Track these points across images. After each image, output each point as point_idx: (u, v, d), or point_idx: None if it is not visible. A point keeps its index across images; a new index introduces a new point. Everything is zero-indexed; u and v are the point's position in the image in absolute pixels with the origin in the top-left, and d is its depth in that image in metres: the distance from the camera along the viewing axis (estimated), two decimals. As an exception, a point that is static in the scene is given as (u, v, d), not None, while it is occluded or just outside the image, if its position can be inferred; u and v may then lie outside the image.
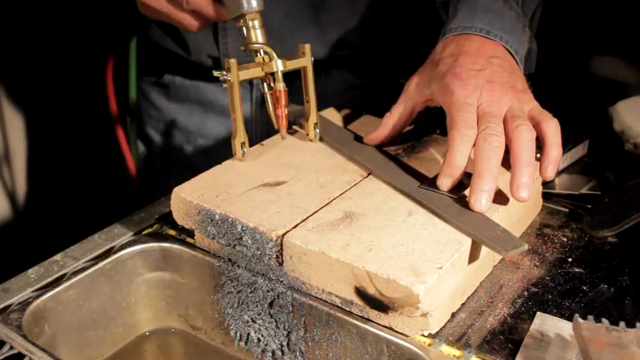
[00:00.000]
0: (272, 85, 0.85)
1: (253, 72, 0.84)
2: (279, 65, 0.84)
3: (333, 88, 1.22)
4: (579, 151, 1.05)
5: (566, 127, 1.12)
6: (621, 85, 1.35)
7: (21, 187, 1.52)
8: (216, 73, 0.82)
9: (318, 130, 0.91)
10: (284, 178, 0.82)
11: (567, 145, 1.03)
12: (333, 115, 0.98)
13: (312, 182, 0.81)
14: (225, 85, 0.82)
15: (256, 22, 0.84)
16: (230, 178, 0.82)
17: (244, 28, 0.84)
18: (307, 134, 0.91)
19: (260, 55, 0.85)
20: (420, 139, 0.93)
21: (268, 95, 0.86)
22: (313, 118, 0.90)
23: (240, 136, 0.85)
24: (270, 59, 0.84)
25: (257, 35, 0.84)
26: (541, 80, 1.36)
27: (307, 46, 0.87)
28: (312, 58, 0.88)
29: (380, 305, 0.67)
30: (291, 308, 0.74)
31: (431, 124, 0.98)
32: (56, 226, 1.25)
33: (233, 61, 0.81)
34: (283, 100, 0.85)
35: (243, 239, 0.74)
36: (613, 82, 1.36)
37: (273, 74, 0.85)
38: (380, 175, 0.82)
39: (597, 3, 1.30)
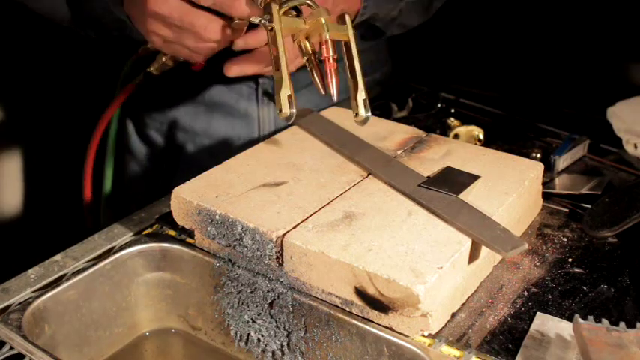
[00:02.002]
0: (313, 48, 0.76)
1: (296, 22, 0.75)
2: (324, 14, 0.74)
3: None
4: (579, 151, 1.05)
5: (567, 127, 1.13)
6: (621, 85, 1.35)
7: (21, 187, 1.52)
8: (254, 20, 0.74)
9: (369, 112, 0.75)
10: (284, 179, 0.82)
11: (567, 145, 1.03)
12: (333, 115, 0.98)
13: (312, 183, 0.81)
14: (267, 25, 0.74)
15: None
16: (230, 179, 0.82)
17: None
18: (356, 114, 0.76)
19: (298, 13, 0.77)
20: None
21: (312, 59, 0.77)
22: (362, 94, 0.75)
23: (287, 87, 0.72)
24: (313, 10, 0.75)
25: None
26: (542, 80, 1.36)
27: (347, 17, 0.78)
28: (354, 31, 0.78)
29: (380, 305, 0.67)
30: (291, 308, 0.74)
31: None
32: (56, 226, 1.25)
33: (274, 5, 0.73)
34: (331, 51, 0.75)
35: (244, 240, 0.74)
36: (613, 82, 1.36)
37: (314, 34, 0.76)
38: (380, 175, 0.82)
39: (598, 3, 1.30)
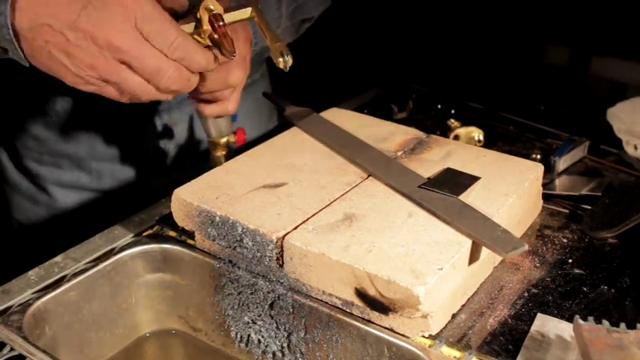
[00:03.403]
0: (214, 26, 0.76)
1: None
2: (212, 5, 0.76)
3: None
4: (579, 152, 1.05)
5: (567, 128, 1.13)
6: (621, 85, 1.35)
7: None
8: None
9: (288, 58, 0.77)
10: (284, 180, 0.82)
11: (567, 146, 1.03)
12: (334, 117, 0.98)
13: (313, 184, 0.81)
14: None
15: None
16: (230, 180, 0.82)
17: None
18: (277, 64, 0.78)
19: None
20: None
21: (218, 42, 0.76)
22: (275, 43, 0.78)
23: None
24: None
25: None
26: (542, 81, 1.36)
27: None
28: (260, 7, 0.81)
29: (380, 306, 0.67)
30: (291, 310, 0.74)
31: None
32: (57, 228, 1.24)
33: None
34: (219, 21, 0.75)
35: (244, 241, 0.74)
36: (613, 83, 1.36)
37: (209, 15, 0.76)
38: (380, 176, 0.82)
39: (598, 3, 1.30)
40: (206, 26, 0.77)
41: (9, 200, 1.18)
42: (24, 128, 1.09)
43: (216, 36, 0.76)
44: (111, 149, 1.09)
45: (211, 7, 0.77)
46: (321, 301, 0.72)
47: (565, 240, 0.85)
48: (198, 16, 0.77)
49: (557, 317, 0.71)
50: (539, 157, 1.04)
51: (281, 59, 0.77)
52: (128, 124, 1.07)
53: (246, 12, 0.81)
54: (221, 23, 0.76)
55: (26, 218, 1.17)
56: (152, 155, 1.10)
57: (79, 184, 1.12)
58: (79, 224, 1.10)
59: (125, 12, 0.67)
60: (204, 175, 0.83)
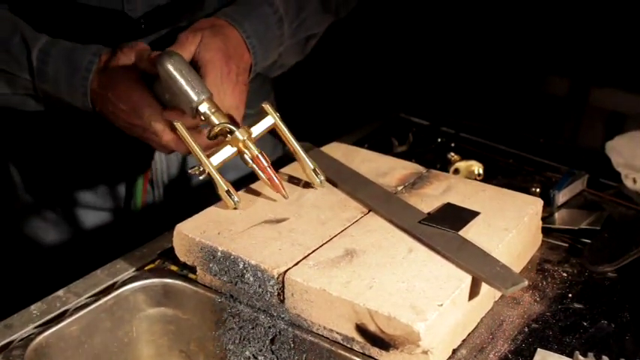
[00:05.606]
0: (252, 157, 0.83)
1: (226, 152, 0.83)
2: (241, 135, 0.81)
3: None
4: (578, 185, 1.05)
5: (566, 160, 1.14)
6: (620, 117, 1.36)
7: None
8: (191, 171, 0.82)
9: (322, 176, 0.88)
10: (285, 215, 0.82)
11: (567, 179, 1.04)
12: (334, 151, 0.99)
13: (313, 219, 0.82)
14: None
15: (209, 107, 0.81)
16: (232, 215, 0.82)
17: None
18: (313, 184, 0.89)
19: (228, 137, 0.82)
20: None
21: (255, 167, 0.83)
22: (307, 167, 0.88)
23: (222, 186, 0.82)
24: (232, 132, 0.81)
25: (217, 118, 0.82)
26: (542, 113, 1.37)
27: (267, 106, 0.86)
28: (278, 114, 0.86)
29: (381, 342, 0.68)
30: (292, 345, 0.74)
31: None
32: (59, 261, 1.24)
33: (179, 125, 0.81)
34: (264, 163, 0.82)
35: (245, 276, 0.74)
36: (612, 114, 1.37)
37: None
38: (380, 211, 0.83)
39: (599, 36, 1.31)
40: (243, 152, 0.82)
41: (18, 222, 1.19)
42: (24, 160, 1.12)
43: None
44: (109, 173, 1.10)
45: (245, 140, 0.82)
46: (322, 336, 0.72)
47: (565, 274, 0.85)
48: (233, 146, 0.82)
49: (557, 352, 0.71)
50: (538, 190, 1.04)
51: (317, 181, 0.88)
52: (122, 158, 1.09)
53: (272, 125, 0.86)
54: (267, 165, 0.83)
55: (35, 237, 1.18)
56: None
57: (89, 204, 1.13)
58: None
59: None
60: (206, 210, 0.84)
